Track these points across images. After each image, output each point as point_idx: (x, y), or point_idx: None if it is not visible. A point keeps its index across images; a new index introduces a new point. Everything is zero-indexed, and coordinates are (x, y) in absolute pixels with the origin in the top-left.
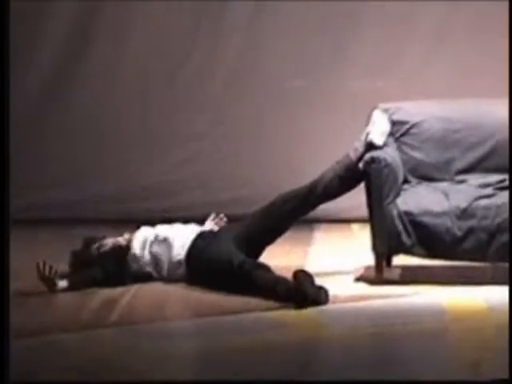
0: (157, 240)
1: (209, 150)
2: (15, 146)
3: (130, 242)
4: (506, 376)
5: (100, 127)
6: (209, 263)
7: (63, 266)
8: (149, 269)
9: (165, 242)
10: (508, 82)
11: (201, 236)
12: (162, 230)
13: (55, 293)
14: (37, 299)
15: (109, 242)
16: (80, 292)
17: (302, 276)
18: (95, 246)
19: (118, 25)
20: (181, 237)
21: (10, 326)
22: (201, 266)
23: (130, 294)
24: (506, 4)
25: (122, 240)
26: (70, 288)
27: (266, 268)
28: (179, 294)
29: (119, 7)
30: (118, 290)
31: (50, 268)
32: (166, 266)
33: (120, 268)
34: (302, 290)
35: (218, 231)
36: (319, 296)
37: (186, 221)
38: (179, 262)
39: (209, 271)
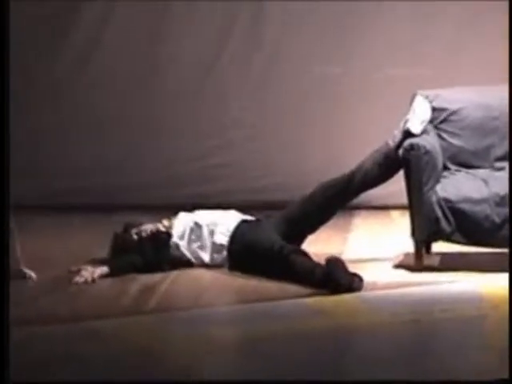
0: (197, 226)
1: (244, 137)
2: (46, 132)
3: (169, 228)
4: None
5: (136, 114)
6: (250, 248)
7: (102, 252)
8: (189, 255)
9: (206, 227)
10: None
11: (244, 221)
12: (203, 216)
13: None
14: (74, 286)
15: (148, 227)
16: (119, 278)
17: (333, 262)
18: (135, 231)
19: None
20: (224, 222)
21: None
22: (242, 251)
23: (168, 281)
24: None
25: (161, 226)
26: (110, 275)
27: (304, 254)
28: (217, 281)
29: None
30: (157, 276)
31: (92, 273)
32: (207, 252)
33: (159, 254)
34: (335, 277)
35: (260, 219)
36: (352, 283)
37: (221, 207)
38: (221, 246)
39: (249, 256)
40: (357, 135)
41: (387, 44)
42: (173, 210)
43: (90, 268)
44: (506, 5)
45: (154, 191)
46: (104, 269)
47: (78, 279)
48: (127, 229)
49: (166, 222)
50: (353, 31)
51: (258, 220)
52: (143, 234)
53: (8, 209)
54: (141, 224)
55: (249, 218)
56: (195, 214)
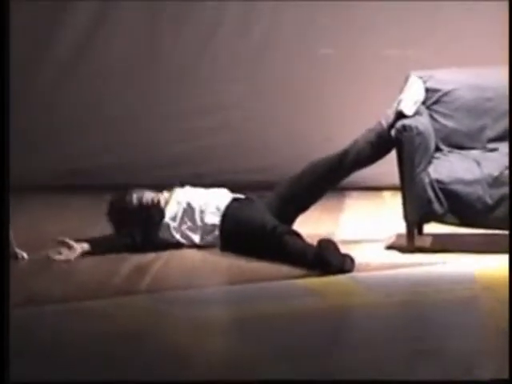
0: (190, 208)
1: (240, 119)
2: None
3: (167, 203)
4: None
5: (132, 95)
6: (242, 227)
7: (95, 231)
8: (178, 237)
9: (198, 208)
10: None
11: (235, 200)
12: (195, 195)
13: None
14: (63, 265)
15: (150, 195)
16: (110, 258)
17: (325, 244)
18: (136, 195)
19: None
20: (215, 201)
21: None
22: (234, 230)
23: (161, 261)
24: None
25: (162, 198)
26: (92, 252)
27: (297, 235)
28: (210, 262)
29: None
30: (150, 256)
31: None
32: (198, 233)
33: (149, 233)
34: (326, 259)
35: (252, 198)
36: (344, 263)
37: (215, 186)
38: (213, 226)
39: (241, 235)
40: (351, 115)
41: (381, 24)
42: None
43: (70, 244)
44: None
45: (148, 171)
46: (84, 245)
47: (58, 257)
48: (129, 193)
49: (166, 194)
50: (348, 12)
51: (249, 199)
52: (144, 201)
53: (8, 194)
54: (143, 191)
55: (240, 196)
56: (188, 194)
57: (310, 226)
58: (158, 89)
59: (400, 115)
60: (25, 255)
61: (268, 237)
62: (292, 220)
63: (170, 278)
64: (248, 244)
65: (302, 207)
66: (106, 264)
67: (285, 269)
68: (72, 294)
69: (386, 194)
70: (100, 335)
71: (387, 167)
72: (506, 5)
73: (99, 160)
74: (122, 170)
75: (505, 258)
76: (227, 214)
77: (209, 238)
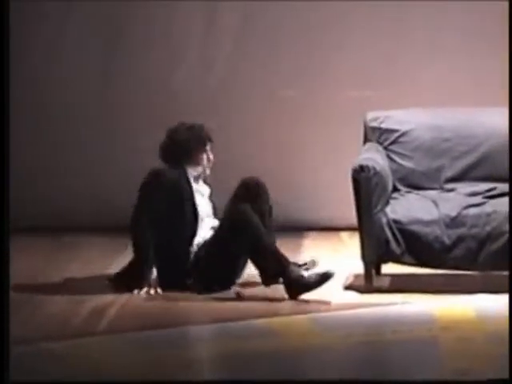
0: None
1: None
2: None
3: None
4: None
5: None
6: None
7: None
8: None
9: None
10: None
11: None
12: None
13: None
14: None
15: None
16: (70, 299)
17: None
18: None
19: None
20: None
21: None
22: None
23: (118, 304)
24: (501, 8)
25: None
26: None
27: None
28: (169, 303)
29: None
30: (108, 298)
31: None
32: None
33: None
34: (289, 275)
35: None
36: (307, 280)
37: None
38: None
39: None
40: (309, 156)
41: (346, 66)
42: None
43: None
44: (466, 26)
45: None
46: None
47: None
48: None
49: None
50: (307, 54)
51: None
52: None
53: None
54: None
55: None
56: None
57: None
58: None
59: None
60: None
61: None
62: None
63: (127, 319)
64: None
65: None
66: (64, 305)
67: (245, 309)
68: (31, 334)
69: (344, 235)
70: (59, 376)
71: (345, 208)
72: (468, 38)
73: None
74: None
75: (463, 298)
76: None
77: None
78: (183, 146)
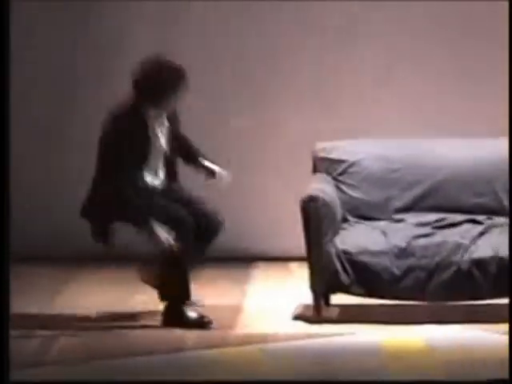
0: None
1: None
2: None
3: None
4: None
5: None
6: None
7: None
8: None
9: None
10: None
11: None
12: None
13: None
14: None
15: None
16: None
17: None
18: None
19: None
20: None
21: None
22: None
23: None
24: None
25: None
26: None
27: None
28: (113, 333)
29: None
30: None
31: None
32: None
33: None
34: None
35: None
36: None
37: None
38: None
39: None
40: (254, 188)
41: (289, 96)
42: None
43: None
44: (425, 57)
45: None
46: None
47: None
48: None
49: None
50: (256, 83)
51: None
52: None
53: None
54: None
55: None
56: None
57: (217, 297)
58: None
59: None
60: None
61: None
62: None
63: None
64: None
65: None
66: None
67: (192, 339)
68: None
69: (293, 265)
70: None
71: (294, 238)
72: (419, 66)
73: None
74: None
75: (412, 328)
76: None
77: None
78: (159, 85)
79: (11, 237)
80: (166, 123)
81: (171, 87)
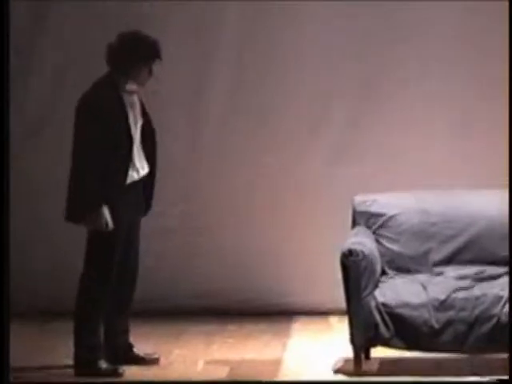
0: None
1: (181, 242)
2: None
3: None
4: None
5: None
6: None
7: None
8: None
9: None
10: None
11: None
12: None
13: None
14: None
15: None
16: None
17: None
18: None
19: None
20: None
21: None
22: None
23: None
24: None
25: None
26: None
27: None
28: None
29: None
30: None
31: None
32: None
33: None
34: None
35: None
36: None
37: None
38: None
39: None
40: (293, 233)
41: (328, 140)
42: None
43: None
44: (443, 106)
45: None
46: None
47: None
48: None
49: None
50: (294, 126)
51: None
52: None
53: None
54: None
55: None
56: None
57: (259, 350)
58: None
59: None
60: None
61: None
62: None
63: None
64: None
65: None
66: None
67: None
68: None
69: (333, 319)
70: None
71: (334, 292)
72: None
73: None
74: None
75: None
76: None
77: None
78: (131, 55)
79: None
80: (139, 108)
81: (143, 57)
